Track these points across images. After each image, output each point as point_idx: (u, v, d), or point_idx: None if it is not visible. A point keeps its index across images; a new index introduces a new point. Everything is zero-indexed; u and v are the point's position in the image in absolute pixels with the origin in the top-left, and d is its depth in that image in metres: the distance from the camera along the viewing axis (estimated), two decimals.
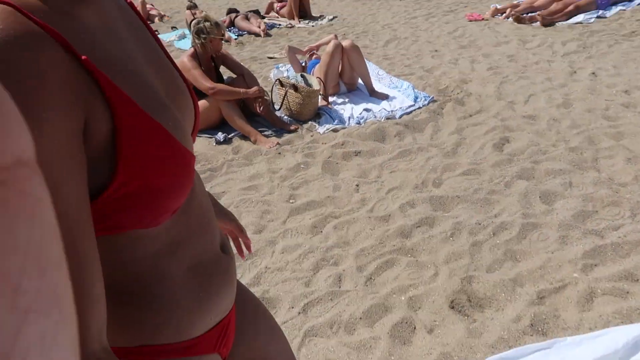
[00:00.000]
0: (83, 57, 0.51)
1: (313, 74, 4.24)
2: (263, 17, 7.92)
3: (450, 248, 2.33)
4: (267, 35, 7.03)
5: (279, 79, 4.00)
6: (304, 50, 4.71)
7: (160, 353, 0.68)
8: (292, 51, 4.60)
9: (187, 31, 7.73)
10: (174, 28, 8.34)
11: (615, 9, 5.92)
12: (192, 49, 3.88)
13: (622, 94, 3.73)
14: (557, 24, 5.71)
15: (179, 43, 7.26)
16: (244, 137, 3.81)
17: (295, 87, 3.83)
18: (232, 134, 3.87)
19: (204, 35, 3.76)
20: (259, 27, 7.16)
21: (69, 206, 0.49)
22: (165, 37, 7.76)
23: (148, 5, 9.48)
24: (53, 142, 0.47)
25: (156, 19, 9.19)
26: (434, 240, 2.41)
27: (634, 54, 4.50)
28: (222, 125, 3.97)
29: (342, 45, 4.08)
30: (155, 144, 0.57)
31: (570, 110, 3.58)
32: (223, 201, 3.01)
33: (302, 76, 4.01)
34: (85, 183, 0.51)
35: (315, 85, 3.94)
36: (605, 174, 2.77)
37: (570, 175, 2.79)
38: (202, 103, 3.86)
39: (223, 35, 3.87)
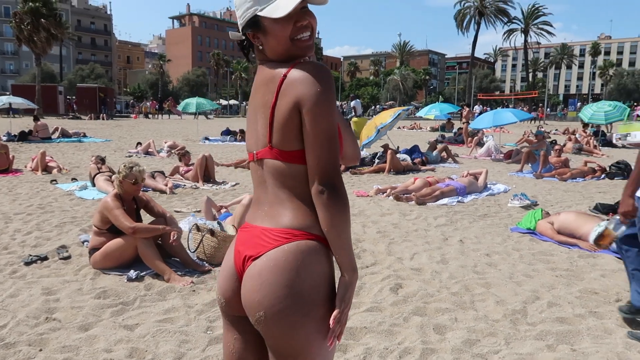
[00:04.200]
0: None
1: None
2: (166, 178, 8.33)
3: None
4: (172, 193, 7.39)
5: (196, 224, 4.29)
6: (218, 205, 5.13)
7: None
8: (209, 202, 4.98)
9: (89, 183, 7.83)
10: (74, 179, 8.38)
11: (470, 197, 7.35)
12: (116, 190, 4.10)
13: (484, 256, 4.56)
14: (428, 203, 6.88)
15: (79, 193, 7.30)
16: (157, 275, 3.89)
17: (212, 232, 4.12)
18: (145, 272, 3.92)
19: (116, 176, 4.05)
20: (166, 185, 7.53)
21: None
22: (65, 187, 7.76)
23: (47, 157, 9.51)
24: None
25: (54, 170, 9.16)
26: None
27: (488, 229, 5.57)
28: (133, 263, 4.03)
29: None
30: None
31: (447, 265, 4.27)
32: (137, 332, 3.00)
33: (218, 223, 4.34)
34: None
35: (231, 231, 4.27)
36: (481, 312, 3.32)
37: (455, 312, 3.29)
38: (117, 241, 3.95)
39: (136, 182, 4.05)
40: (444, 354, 2.76)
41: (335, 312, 1.29)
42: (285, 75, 1.28)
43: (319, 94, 1.24)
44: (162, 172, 8.45)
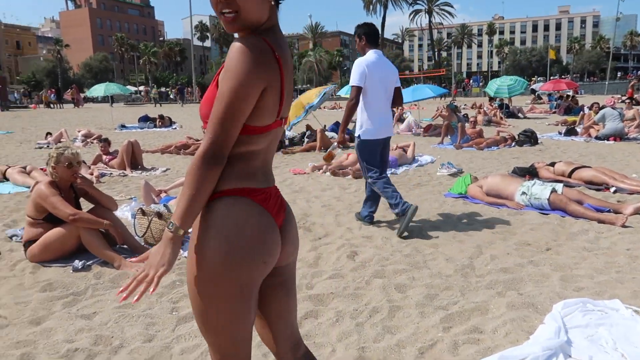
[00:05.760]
0: None
1: None
2: (89, 167, 7.84)
3: (339, 329, 2.67)
4: (99, 182, 6.98)
5: (140, 208, 4.11)
6: (157, 190, 4.95)
7: None
8: (147, 187, 4.78)
9: None
10: None
11: (402, 169, 7.68)
12: (50, 177, 3.82)
13: (427, 221, 4.81)
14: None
15: None
16: (105, 263, 3.70)
17: (159, 215, 3.98)
18: (91, 261, 3.72)
19: (48, 163, 3.77)
20: (91, 174, 7.09)
21: None
22: None
23: None
24: None
25: None
26: (323, 326, 2.73)
27: (424, 197, 5.88)
28: (76, 253, 3.80)
29: None
30: None
31: (394, 231, 4.47)
32: (97, 320, 2.87)
33: (164, 206, 4.19)
34: None
35: None
36: (435, 270, 3.54)
37: (412, 272, 3.48)
38: (57, 230, 3.70)
39: (70, 165, 3.78)
40: (409, 309, 2.92)
41: None
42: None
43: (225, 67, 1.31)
44: (83, 162, 7.92)
